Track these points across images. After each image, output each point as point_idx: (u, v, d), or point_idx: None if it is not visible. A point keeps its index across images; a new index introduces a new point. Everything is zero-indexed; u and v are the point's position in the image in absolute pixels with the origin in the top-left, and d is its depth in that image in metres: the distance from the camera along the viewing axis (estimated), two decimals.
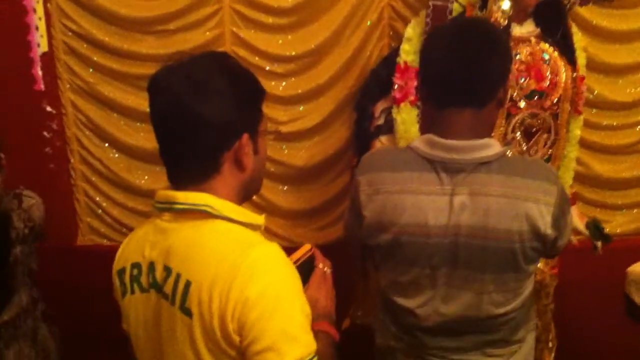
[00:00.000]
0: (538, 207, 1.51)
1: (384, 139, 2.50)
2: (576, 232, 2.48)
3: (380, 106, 2.54)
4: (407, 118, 2.40)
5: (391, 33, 2.88)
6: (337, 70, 2.90)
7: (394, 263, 1.64)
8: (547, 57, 2.31)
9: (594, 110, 2.98)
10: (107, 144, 3.05)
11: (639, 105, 3.01)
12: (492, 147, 1.54)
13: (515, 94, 2.27)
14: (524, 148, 2.33)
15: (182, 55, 1.29)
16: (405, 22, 2.70)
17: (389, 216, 1.57)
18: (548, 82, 2.30)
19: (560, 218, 1.56)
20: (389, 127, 2.49)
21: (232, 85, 1.25)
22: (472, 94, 1.51)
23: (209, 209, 1.21)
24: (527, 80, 2.28)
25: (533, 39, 2.32)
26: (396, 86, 2.41)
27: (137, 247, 1.31)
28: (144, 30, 2.87)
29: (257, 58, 2.90)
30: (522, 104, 2.29)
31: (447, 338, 1.67)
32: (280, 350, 1.11)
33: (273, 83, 2.93)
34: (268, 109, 2.90)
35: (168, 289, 1.20)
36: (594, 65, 2.84)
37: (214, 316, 1.13)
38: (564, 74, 2.31)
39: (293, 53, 2.90)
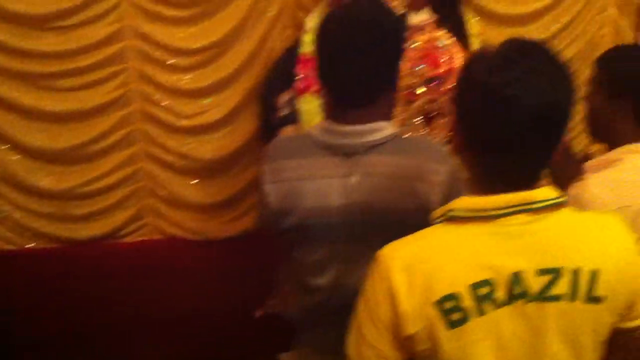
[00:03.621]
0: (425, 186, 1.59)
1: (289, 129, 2.52)
2: None
3: (284, 97, 2.55)
4: (310, 108, 2.43)
5: (295, 24, 2.89)
6: (241, 62, 2.90)
7: (300, 246, 1.68)
8: (442, 44, 2.39)
9: None
10: (7, 146, 2.95)
11: None
12: (383, 130, 1.60)
13: (413, 81, 2.34)
14: (425, 132, 2.41)
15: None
16: (309, 12, 2.72)
17: (292, 202, 1.63)
18: (444, 68, 2.38)
19: (451, 196, 1.62)
20: (294, 118, 2.51)
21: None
22: (362, 97, 1.56)
23: (561, 199, 1.23)
24: (423, 67, 2.35)
25: (429, 27, 2.39)
26: (298, 77, 2.44)
27: (467, 265, 1.24)
28: (42, 27, 2.80)
29: (158, 52, 2.87)
30: (420, 90, 2.36)
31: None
32: None
33: (175, 77, 2.91)
34: (172, 103, 2.93)
35: (559, 289, 1.21)
36: None
37: (621, 296, 1.22)
38: (458, 60, 2.39)
39: (195, 46, 2.88)
